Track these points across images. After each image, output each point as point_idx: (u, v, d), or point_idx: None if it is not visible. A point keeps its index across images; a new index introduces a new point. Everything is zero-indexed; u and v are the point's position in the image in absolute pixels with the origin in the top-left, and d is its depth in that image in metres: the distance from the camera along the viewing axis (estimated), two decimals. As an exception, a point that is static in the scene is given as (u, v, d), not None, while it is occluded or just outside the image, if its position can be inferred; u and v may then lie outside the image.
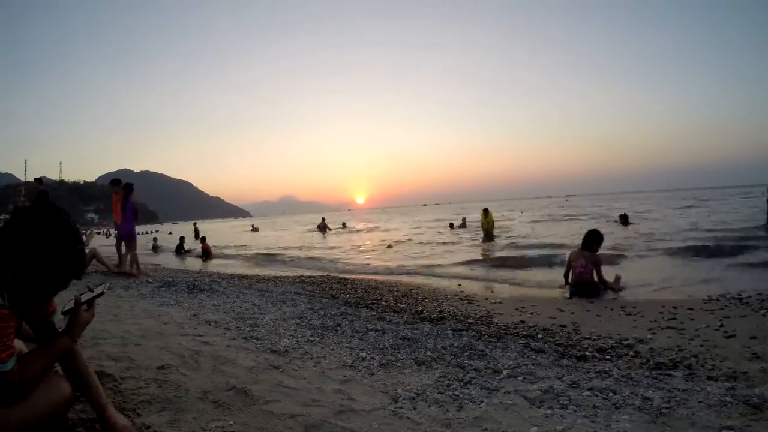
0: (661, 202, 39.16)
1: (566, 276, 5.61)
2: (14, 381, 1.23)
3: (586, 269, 5.28)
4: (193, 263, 12.48)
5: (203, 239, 15.09)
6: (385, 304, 4.81)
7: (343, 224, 29.60)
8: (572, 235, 12.93)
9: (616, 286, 5.36)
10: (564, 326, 3.67)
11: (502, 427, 1.73)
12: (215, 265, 11.52)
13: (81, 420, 1.51)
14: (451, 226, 20.93)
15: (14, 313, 1.25)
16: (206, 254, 13.99)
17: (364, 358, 2.68)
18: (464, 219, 21.59)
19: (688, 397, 1.99)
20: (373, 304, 4.81)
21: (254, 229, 33.10)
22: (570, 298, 5.23)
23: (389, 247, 14.19)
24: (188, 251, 15.47)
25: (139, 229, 12.53)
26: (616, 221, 16.76)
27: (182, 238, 16.80)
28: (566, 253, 5.66)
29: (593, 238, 5.46)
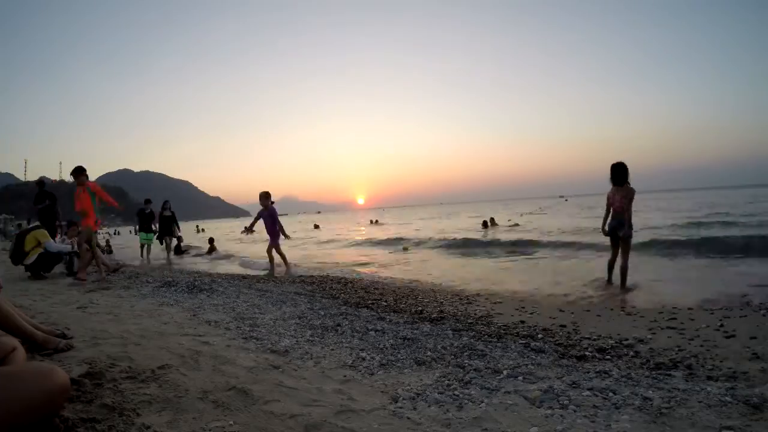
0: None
1: (605, 216, 5.65)
2: None
3: (623, 203, 5.39)
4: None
5: (211, 240, 16.21)
6: (385, 304, 4.81)
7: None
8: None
9: (629, 227, 5.46)
10: (564, 326, 3.67)
11: (502, 427, 1.73)
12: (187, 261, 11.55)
13: (81, 420, 1.51)
14: (485, 224, 20.58)
15: None
16: (211, 251, 14.81)
17: (364, 358, 2.68)
18: (492, 219, 21.43)
19: (688, 397, 1.99)
20: (373, 304, 4.81)
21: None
22: (608, 234, 5.60)
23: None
24: (186, 251, 15.87)
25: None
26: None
27: (179, 238, 17.43)
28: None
29: (622, 171, 5.46)
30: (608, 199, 5.62)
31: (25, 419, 1.29)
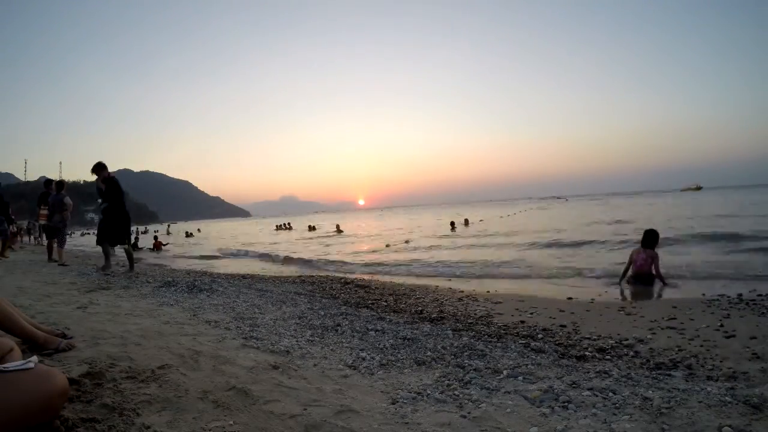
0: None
1: (625, 271, 6.18)
2: None
3: (646, 263, 5.95)
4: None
5: (155, 237, 21.06)
6: (385, 304, 4.82)
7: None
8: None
9: (664, 281, 5.90)
10: (564, 326, 3.67)
11: (502, 427, 1.73)
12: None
13: (81, 420, 1.51)
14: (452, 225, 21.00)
15: None
16: (157, 248, 19.16)
17: (364, 358, 2.68)
18: (466, 219, 21.65)
19: (688, 397, 1.99)
20: (373, 304, 4.81)
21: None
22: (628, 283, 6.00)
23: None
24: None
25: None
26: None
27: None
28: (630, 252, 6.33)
29: (653, 237, 6.06)
30: (631, 256, 6.18)
31: (24, 423, 1.28)
